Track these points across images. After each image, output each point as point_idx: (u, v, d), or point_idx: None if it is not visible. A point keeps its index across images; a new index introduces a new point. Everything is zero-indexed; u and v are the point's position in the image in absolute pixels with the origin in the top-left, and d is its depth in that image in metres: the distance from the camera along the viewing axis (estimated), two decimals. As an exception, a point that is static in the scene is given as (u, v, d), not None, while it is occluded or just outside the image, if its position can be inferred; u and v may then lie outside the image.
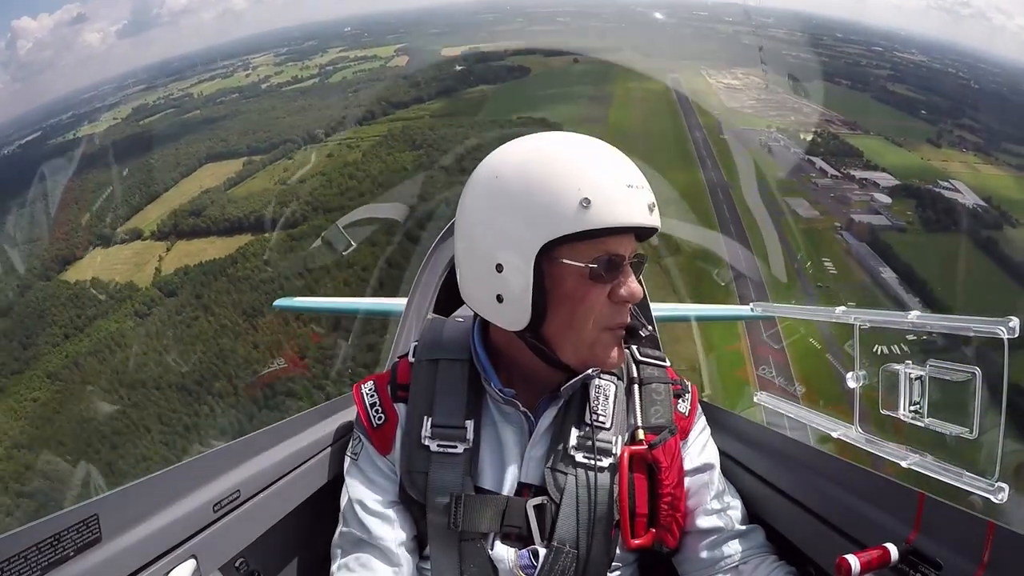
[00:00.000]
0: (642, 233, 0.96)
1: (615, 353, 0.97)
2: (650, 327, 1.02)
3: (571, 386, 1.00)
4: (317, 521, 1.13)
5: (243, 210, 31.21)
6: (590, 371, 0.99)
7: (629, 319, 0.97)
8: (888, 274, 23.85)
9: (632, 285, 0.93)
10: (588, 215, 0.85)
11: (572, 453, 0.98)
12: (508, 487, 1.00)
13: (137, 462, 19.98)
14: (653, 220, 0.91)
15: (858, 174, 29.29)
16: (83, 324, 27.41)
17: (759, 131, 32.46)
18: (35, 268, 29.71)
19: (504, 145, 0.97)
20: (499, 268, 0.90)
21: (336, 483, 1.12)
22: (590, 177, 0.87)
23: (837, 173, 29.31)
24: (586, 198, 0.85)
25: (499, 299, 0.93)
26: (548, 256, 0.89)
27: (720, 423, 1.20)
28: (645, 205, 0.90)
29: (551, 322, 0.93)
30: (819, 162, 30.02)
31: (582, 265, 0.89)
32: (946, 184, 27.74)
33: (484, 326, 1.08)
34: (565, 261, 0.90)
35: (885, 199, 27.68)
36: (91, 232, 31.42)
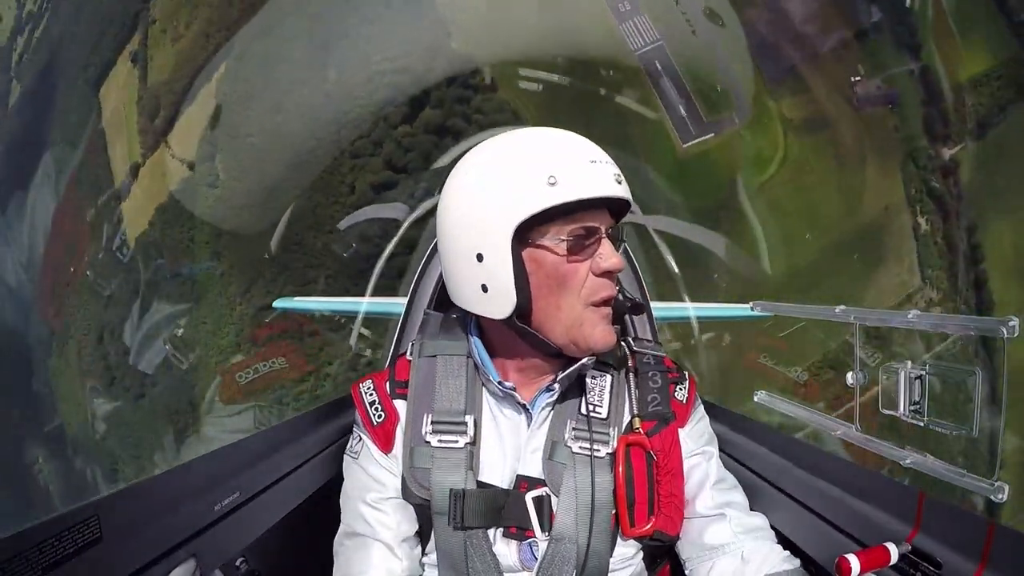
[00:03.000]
0: (616, 208, 0.98)
1: (604, 331, 0.97)
2: (639, 299, 1.02)
3: (567, 376, 1.00)
4: (317, 521, 1.14)
5: None
6: (585, 360, 0.99)
7: (614, 293, 0.97)
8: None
9: (612, 256, 0.94)
10: (555, 191, 0.88)
11: (569, 444, 0.99)
12: (508, 480, 1.00)
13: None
14: (622, 191, 0.93)
15: None
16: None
17: None
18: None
19: (476, 146, 1.01)
20: (480, 258, 0.92)
21: (336, 483, 1.12)
22: (554, 157, 0.91)
23: None
24: (552, 175, 0.88)
25: (484, 289, 0.94)
26: (526, 240, 0.92)
27: (720, 421, 1.20)
28: (611, 176, 0.92)
29: (537, 305, 0.94)
30: None
31: (558, 241, 0.92)
32: None
33: (480, 321, 1.08)
34: (542, 241, 0.92)
35: None
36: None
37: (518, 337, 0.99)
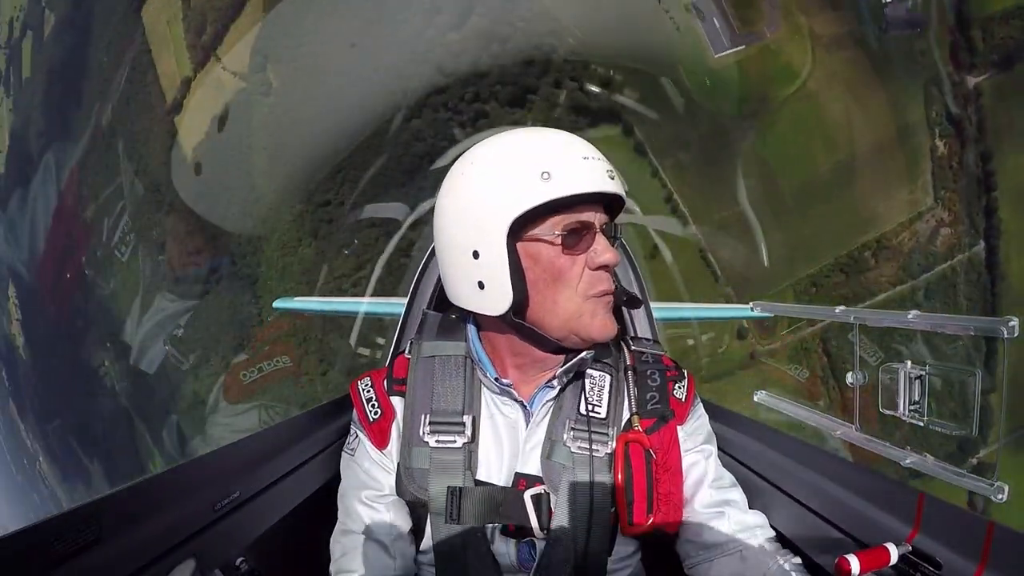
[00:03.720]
0: (610, 204, 0.99)
1: (603, 320, 0.97)
2: (637, 295, 1.02)
3: (565, 372, 1.00)
4: (317, 521, 1.14)
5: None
6: (584, 354, 0.99)
7: (612, 286, 0.98)
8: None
9: (607, 251, 0.95)
10: (549, 187, 0.89)
11: (568, 444, 0.99)
12: (506, 478, 1.00)
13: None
14: (615, 187, 0.94)
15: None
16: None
17: None
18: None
19: (471, 147, 1.02)
20: (476, 255, 0.93)
21: (336, 482, 1.12)
22: (548, 154, 0.92)
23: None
24: (546, 171, 0.89)
25: (481, 286, 0.95)
26: (520, 236, 0.93)
27: (721, 421, 1.20)
28: (604, 172, 0.93)
29: (534, 300, 0.95)
30: None
31: (553, 235, 0.93)
32: None
33: (478, 319, 1.08)
34: (536, 237, 0.93)
35: None
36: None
37: (516, 333, 0.99)
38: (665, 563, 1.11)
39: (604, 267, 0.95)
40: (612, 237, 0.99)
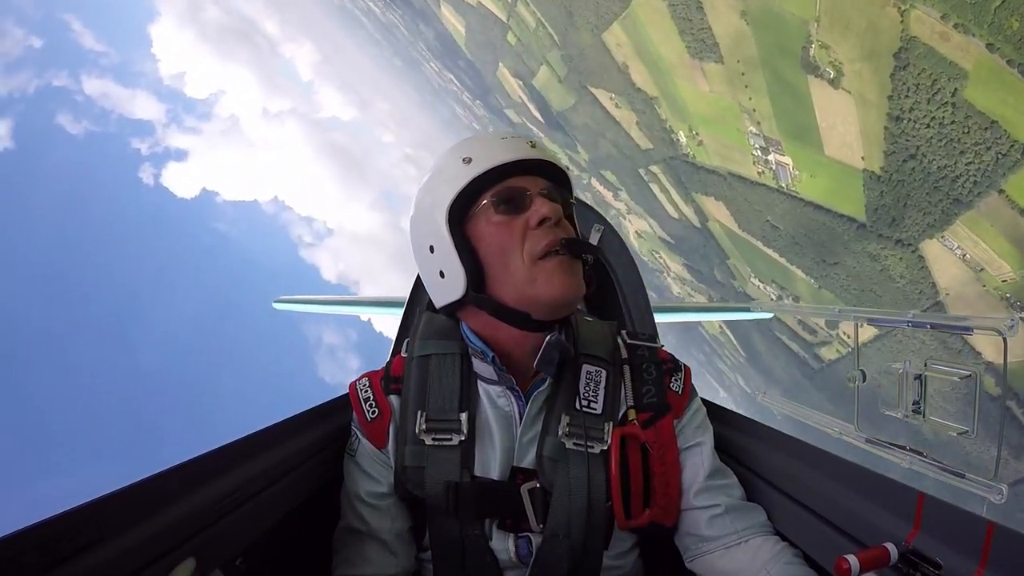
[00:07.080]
0: (553, 176, 1.03)
1: (561, 280, 0.96)
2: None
3: (545, 358, 0.98)
4: (317, 520, 1.14)
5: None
6: (549, 337, 0.97)
7: (557, 239, 0.97)
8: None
9: (542, 206, 0.97)
10: (472, 167, 0.97)
11: (563, 440, 0.99)
12: (502, 473, 1.01)
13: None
14: (538, 153, 1.00)
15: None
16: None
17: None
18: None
19: None
20: (432, 249, 1.00)
21: (336, 482, 1.13)
22: (469, 143, 1.03)
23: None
24: (467, 157, 0.97)
25: (442, 275, 1.00)
26: (463, 221, 0.99)
27: (720, 420, 1.20)
28: (524, 143, 1.00)
29: (490, 275, 0.98)
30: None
31: (488, 208, 0.98)
32: None
33: (468, 322, 1.09)
34: (475, 215, 0.98)
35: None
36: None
37: (494, 319, 0.99)
38: (663, 560, 1.11)
39: (545, 222, 0.97)
40: (557, 198, 1.00)
